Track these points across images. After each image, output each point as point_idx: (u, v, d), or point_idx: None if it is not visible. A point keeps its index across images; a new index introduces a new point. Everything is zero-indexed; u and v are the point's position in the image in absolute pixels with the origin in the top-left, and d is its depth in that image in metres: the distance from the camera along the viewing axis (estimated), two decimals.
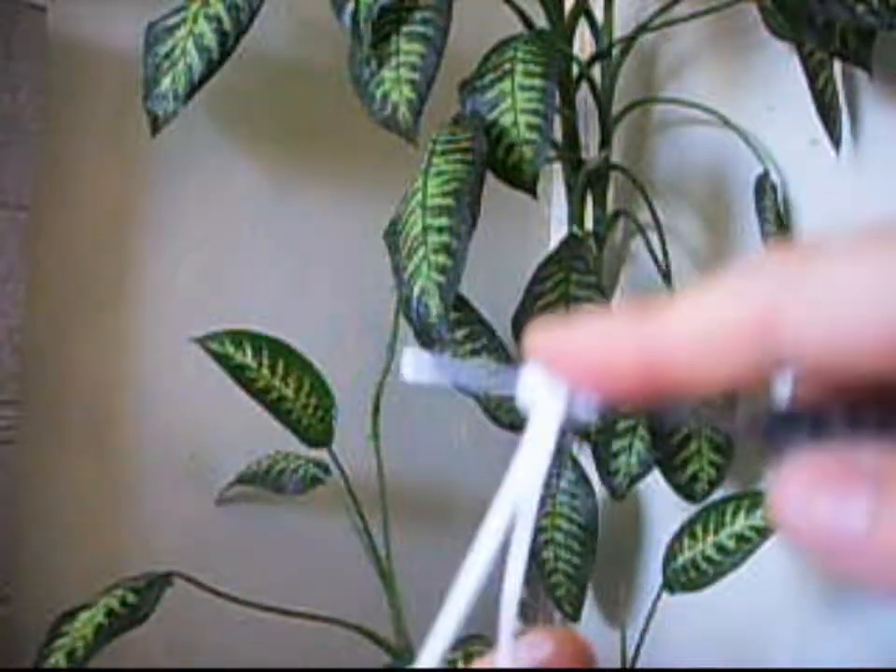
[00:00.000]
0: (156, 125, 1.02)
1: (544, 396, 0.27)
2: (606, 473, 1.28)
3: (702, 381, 0.24)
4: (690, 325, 0.23)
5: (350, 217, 1.31)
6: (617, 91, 1.29)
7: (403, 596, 1.16)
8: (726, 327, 0.23)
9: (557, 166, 1.36)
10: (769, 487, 0.23)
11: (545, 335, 0.26)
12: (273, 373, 1.08)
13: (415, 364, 0.27)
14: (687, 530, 1.15)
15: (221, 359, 1.07)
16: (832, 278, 0.21)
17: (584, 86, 1.27)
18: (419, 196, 0.97)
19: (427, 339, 1.15)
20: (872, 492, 0.21)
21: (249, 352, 1.08)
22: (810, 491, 0.22)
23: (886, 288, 0.21)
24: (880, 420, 0.23)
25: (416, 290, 0.93)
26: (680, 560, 1.14)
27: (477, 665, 0.27)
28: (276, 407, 1.08)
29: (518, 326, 1.14)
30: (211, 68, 1.02)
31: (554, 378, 0.26)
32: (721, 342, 0.23)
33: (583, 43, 1.38)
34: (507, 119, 1.01)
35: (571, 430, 0.28)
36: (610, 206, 1.33)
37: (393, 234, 0.99)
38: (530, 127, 1.00)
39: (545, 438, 0.27)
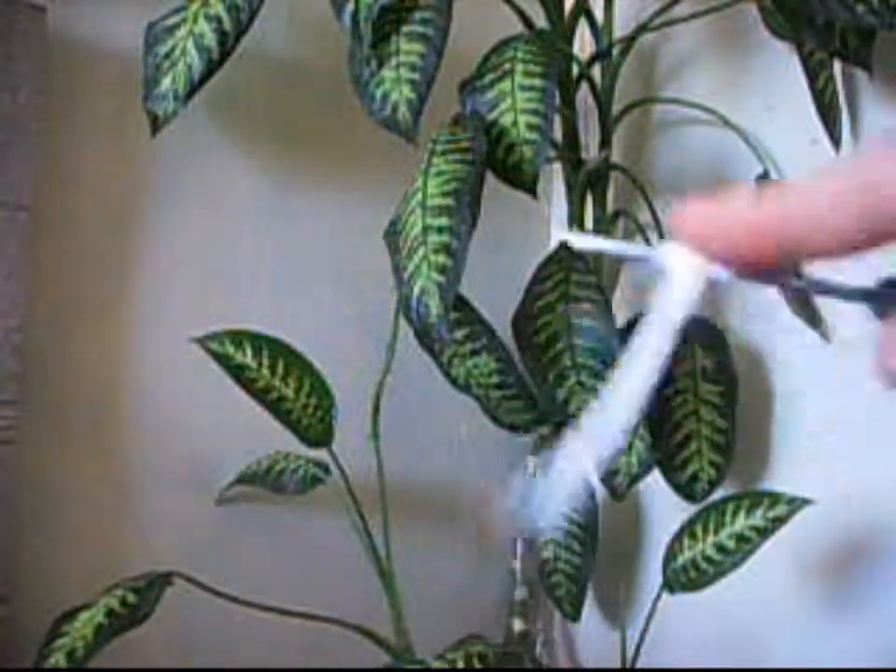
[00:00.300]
0: (156, 125, 1.02)
1: (682, 262, 0.32)
2: (606, 473, 1.28)
3: (822, 242, 0.30)
4: (812, 195, 0.30)
5: (350, 217, 1.31)
6: (617, 90, 1.29)
7: (403, 596, 1.16)
8: (840, 195, 0.30)
9: (557, 166, 1.36)
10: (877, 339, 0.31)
11: (691, 212, 0.32)
12: (273, 373, 1.08)
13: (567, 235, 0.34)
14: (687, 530, 1.14)
15: (221, 359, 1.07)
16: None
17: (584, 86, 1.27)
18: (419, 196, 0.97)
19: (427, 339, 1.15)
20: None
21: (249, 352, 1.08)
22: None
23: None
24: None
25: (416, 290, 0.93)
26: (680, 560, 1.14)
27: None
28: (276, 407, 1.08)
29: (518, 326, 1.14)
30: (211, 68, 1.02)
31: (693, 248, 0.32)
32: (837, 208, 0.30)
33: (583, 43, 1.38)
34: (507, 119, 1.01)
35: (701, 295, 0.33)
36: (610, 206, 1.33)
37: (393, 234, 0.99)
38: (530, 127, 1.00)
39: (682, 295, 0.32)
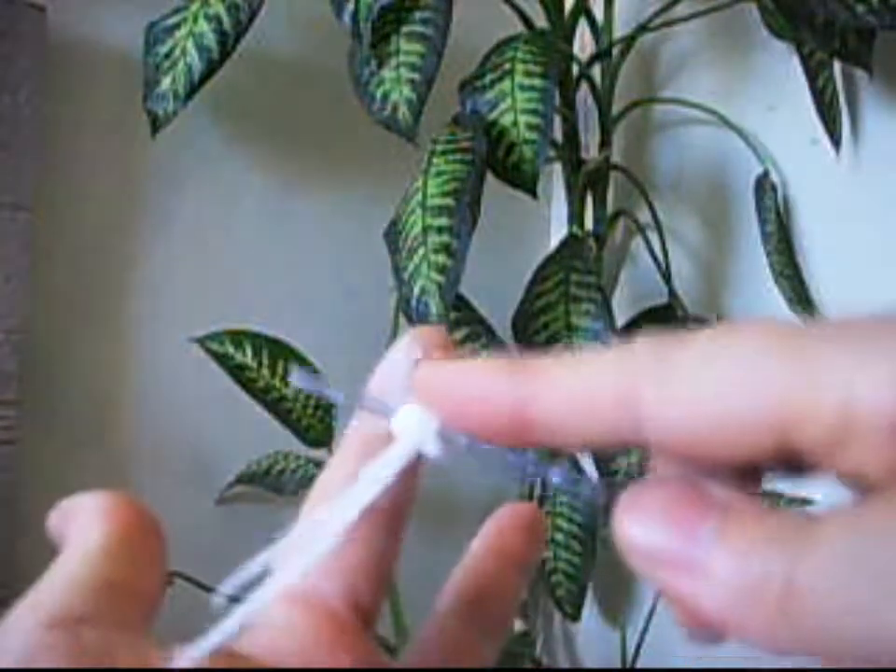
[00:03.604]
0: (156, 125, 1.02)
1: (413, 426, 0.28)
2: (606, 473, 1.28)
3: (568, 437, 0.27)
4: (565, 386, 0.26)
5: (350, 217, 1.31)
6: (617, 90, 1.29)
7: (403, 596, 1.16)
8: (594, 395, 0.25)
9: (557, 166, 1.36)
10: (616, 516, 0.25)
11: (430, 370, 0.28)
12: (273, 373, 1.08)
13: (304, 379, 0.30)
14: None
15: (221, 359, 1.07)
16: (686, 371, 0.24)
17: (584, 86, 1.27)
18: (419, 196, 0.97)
19: None
20: (719, 516, 0.24)
21: (249, 352, 1.08)
22: (659, 515, 0.24)
23: (726, 389, 0.24)
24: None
25: (416, 290, 0.93)
26: None
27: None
28: (276, 407, 1.08)
29: (518, 326, 1.14)
30: (211, 68, 1.02)
31: (429, 412, 0.28)
32: (589, 407, 0.26)
33: (583, 43, 1.38)
34: (507, 119, 1.01)
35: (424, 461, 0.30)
36: (610, 206, 1.33)
37: (393, 234, 1.00)
38: (530, 127, 1.00)
39: (393, 463, 0.29)
